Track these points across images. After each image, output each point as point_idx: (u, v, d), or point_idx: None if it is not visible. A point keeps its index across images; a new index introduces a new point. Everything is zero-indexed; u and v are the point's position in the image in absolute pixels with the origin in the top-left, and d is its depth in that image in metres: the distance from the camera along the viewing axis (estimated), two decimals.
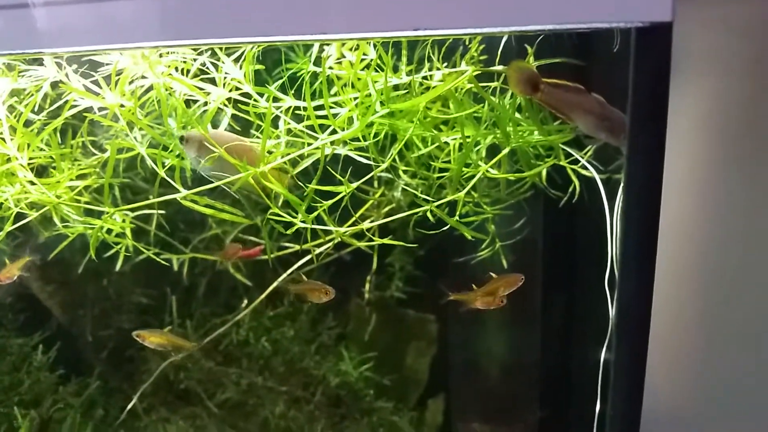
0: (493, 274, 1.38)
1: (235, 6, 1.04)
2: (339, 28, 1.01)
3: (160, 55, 1.27)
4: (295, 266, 1.89)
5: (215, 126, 1.39)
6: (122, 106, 1.29)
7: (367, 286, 2.12)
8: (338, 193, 1.30)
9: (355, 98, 1.29)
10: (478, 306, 1.40)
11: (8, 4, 1.14)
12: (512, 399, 2.09)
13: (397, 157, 1.46)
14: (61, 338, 2.12)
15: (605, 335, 1.43)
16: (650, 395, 1.18)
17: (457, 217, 1.27)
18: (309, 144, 1.31)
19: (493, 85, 1.37)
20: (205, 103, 1.38)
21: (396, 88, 1.33)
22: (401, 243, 1.40)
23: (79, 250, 1.87)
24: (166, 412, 2.09)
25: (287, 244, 1.87)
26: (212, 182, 1.29)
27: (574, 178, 1.50)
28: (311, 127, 1.29)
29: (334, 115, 1.27)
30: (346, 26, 1.00)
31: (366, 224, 1.33)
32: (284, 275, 1.91)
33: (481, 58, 1.33)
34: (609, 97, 1.16)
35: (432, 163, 1.44)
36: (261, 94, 1.31)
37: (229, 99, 1.38)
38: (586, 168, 1.48)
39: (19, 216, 1.50)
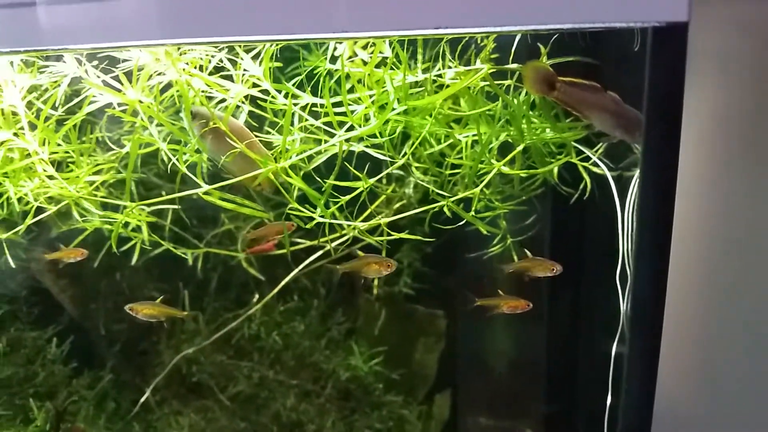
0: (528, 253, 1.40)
1: (257, 4, 1.06)
2: (361, 26, 1.03)
3: (180, 53, 1.29)
4: (307, 261, 1.92)
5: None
6: (141, 101, 1.31)
7: (376, 281, 2.13)
8: (352, 189, 1.33)
9: (371, 95, 1.31)
10: (505, 311, 1.41)
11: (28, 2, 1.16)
12: (522, 393, 2.12)
13: (409, 154, 1.49)
14: (74, 332, 2.15)
15: (616, 329, 1.45)
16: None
17: (472, 213, 1.29)
18: (325, 141, 1.33)
19: (506, 83, 1.39)
20: (223, 100, 1.41)
21: (410, 85, 1.35)
22: (417, 237, 1.41)
23: (91, 245, 1.89)
24: (178, 405, 2.11)
25: (299, 240, 1.90)
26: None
27: (585, 175, 1.52)
28: (327, 124, 1.31)
29: (351, 112, 1.29)
30: (368, 24, 1.02)
31: (384, 219, 1.34)
32: (296, 270, 1.94)
33: (493, 56, 1.35)
34: (620, 94, 1.18)
35: (445, 159, 1.46)
36: (279, 91, 1.33)
37: (246, 96, 1.40)
38: (597, 165, 1.50)
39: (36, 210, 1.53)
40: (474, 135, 1.44)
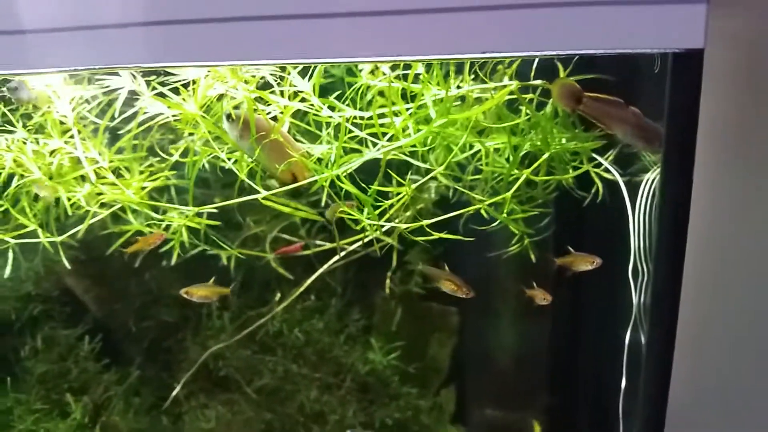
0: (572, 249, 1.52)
1: (315, 31, 1.18)
2: (417, 51, 1.17)
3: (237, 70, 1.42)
4: (331, 261, 2.05)
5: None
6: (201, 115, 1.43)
7: (387, 282, 2.24)
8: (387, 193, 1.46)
9: (408, 109, 1.45)
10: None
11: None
12: (530, 386, 2.26)
13: (433, 161, 1.63)
14: (103, 330, 2.25)
15: (628, 321, 1.60)
16: None
17: (504, 214, 1.43)
18: (368, 150, 1.46)
19: (528, 96, 1.54)
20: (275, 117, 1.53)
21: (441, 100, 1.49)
22: (462, 238, 1.52)
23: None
24: (205, 399, 2.22)
25: (319, 242, 2.03)
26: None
27: (597, 180, 1.67)
28: (371, 135, 1.44)
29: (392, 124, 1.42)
30: (424, 49, 1.16)
31: (425, 222, 1.47)
32: (321, 269, 2.07)
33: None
34: (643, 109, 1.32)
35: (468, 166, 1.61)
36: (332, 107, 1.46)
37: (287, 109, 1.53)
38: (608, 171, 1.65)
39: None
40: (496, 144, 1.59)
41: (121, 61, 1.27)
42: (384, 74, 1.49)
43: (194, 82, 1.46)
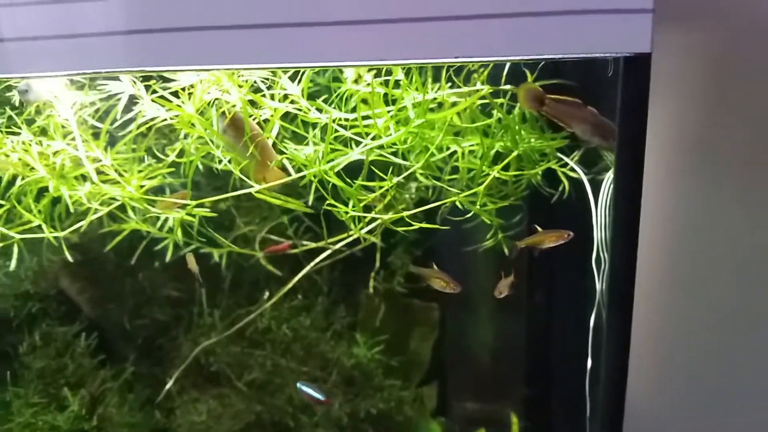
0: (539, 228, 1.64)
1: (308, 37, 1.31)
2: (395, 55, 1.30)
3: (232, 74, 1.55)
4: (318, 259, 2.17)
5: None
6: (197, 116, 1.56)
7: (371, 282, 2.36)
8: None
9: (389, 111, 1.59)
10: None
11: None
12: (505, 377, 2.39)
13: (413, 161, 1.76)
14: (98, 328, 2.34)
15: (592, 307, 1.74)
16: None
17: (478, 204, 1.57)
18: (352, 149, 1.59)
19: (499, 100, 1.68)
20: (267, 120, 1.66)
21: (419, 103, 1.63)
22: (439, 227, 1.63)
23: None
24: (197, 393, 2.32)
25: (305, 242, 2.15)
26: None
27: (563, 178, 1.81)
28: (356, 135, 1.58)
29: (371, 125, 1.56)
30: (401, 54, 1.29)
31: (406, 213, 1.60)
32: (308, 267, 2.19)
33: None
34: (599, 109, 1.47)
35: (445, 166, 1.74)
36: (319, 109, 1.59)
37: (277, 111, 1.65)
38: (573, 170, 1.80)
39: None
40: (471, 145, 1.73)
41: (122, 65, 1.40)
42: (366, 82, 1.63)
43: (192, 86, 1.59)
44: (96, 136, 1.73)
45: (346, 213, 1.56)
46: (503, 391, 2.43)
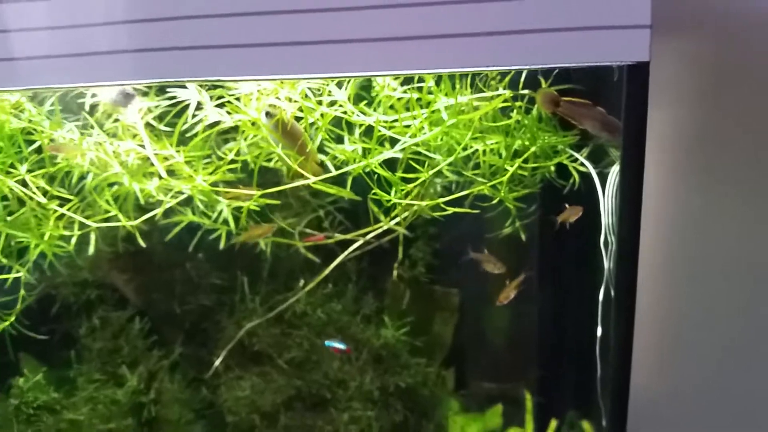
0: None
1: (341, 49, 1.55)
2: (430, 65, 1.55)
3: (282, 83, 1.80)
4: (352, 248, 2.41)
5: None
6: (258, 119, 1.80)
7: (395, 272, 2.59)
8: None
9: (423, 113, 1.84)
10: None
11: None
12: (520, 357, 2.62)
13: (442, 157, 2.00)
14: (149, 313, 2.58)
15: (601, 283, 1.98)
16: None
17: (503, 193, 1.82)
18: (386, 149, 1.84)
19: (518, 104, 1.93)
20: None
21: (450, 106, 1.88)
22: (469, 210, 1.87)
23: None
24: (241, 371, 2.56)
25: (338, 234, 2.39)
26: None
27: (574, 172, 2.05)
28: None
29: (409, 126, 1.81)
30: (438, 64, 1.53)
31: (439, 200, 1.85)
32: (342, 255, 2.43)
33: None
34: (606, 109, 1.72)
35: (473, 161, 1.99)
36: (363, 113, 1.84)
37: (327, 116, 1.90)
38: (583, 165, 2.04)
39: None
40: (492, 143, 1.98)
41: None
42: (394, 89, 1.89)
43: (251, 94, 1.84)
44: (158, 137, 1.98)
45: (388, 201, 1.81)
46: (518, 370, 2.66)
